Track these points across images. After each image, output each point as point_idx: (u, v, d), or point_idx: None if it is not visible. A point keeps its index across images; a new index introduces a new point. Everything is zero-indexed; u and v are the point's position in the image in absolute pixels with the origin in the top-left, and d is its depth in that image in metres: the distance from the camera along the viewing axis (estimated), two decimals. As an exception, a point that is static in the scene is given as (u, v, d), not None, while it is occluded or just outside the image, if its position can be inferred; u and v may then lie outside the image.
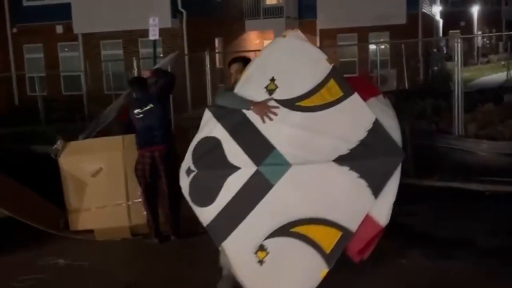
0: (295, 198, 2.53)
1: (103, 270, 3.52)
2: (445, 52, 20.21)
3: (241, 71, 2.80)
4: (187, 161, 2.67)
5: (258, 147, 2.57)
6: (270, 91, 2.63)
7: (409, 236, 3.80)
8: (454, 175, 5.14)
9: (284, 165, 2.53)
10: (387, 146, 2.48)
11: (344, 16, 15.40)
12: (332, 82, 2.58)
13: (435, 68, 16.42)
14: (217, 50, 14.46)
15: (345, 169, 2.47)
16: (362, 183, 2.45)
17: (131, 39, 13.36)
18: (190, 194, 2.64)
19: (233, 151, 2.59)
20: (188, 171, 2.65)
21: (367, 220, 2.44)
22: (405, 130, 5.08)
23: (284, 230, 2.49)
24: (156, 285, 3.33)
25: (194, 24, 13.43)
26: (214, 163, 2.62)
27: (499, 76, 16.46)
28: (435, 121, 7.53)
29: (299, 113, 2.57)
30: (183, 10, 13.13)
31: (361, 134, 2.49)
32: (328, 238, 2.45)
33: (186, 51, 12.86)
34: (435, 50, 17.95)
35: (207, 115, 2.68)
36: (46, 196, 4.39)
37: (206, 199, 2.60)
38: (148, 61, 11.18)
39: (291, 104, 2.59)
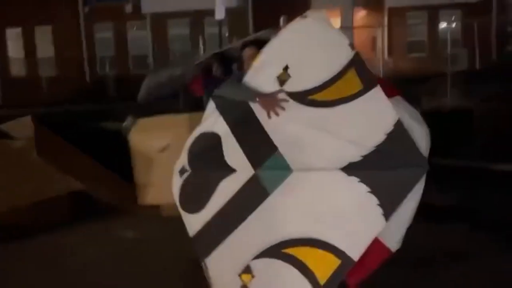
0: (292, 212, 2.25)
1: (170, 245, 3.58)
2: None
3: (255, 57, 2.49)
4: (182, 159, 2.44)
5: (259, 146, 2.33)
6: (282, 82, 2.34)
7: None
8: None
9: (284, 170, 2.27)
10: (409, 155, 2.13)
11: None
12: (352, 72, 2.26)
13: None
14: (281, 28, 14.73)
15: (354, 180, 2.15)
16: (373, 200, 2.12)
17: (197, 18, 14.02)
18: (180, 197, 2.42)
19: (232, 150, 2.35)
20: (182, 171, 2.43)
21: (375, 245, 2.13)
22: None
23: (275, 251, 2.22)
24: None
25: (259, 3, 13.76)
26: (209, 164, 2.39)
27: None
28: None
29: (310, 108, 2.28)
30: None
31: (379, 138, 2.15)
32: (324, 266, 2.17)
33: (251, 31, 13.14)
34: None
35: (211, 106, 2.43)
36: (116, 172, 4.69)
37: (196, 205, 2.38)
38: (215, 41, 11.58)
39: (302, 97, 2.30)
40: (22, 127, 5.24)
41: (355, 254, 2.11)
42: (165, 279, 3.09)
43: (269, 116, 2.30)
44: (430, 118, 2.88)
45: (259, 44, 2.53)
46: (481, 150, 5.84)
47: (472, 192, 4.76)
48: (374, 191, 2.12)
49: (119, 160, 4.55)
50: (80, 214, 4.08)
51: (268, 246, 2.23)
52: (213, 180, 2.34)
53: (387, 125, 2.15)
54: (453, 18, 15.76)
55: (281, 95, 2.31)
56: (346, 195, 2.16)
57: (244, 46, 2.69)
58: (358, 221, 2.15)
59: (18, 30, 16.60)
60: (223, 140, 2.37)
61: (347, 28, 15.40)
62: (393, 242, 2.18)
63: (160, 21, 14.64)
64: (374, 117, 2.20)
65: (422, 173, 2.10)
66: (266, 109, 2.31)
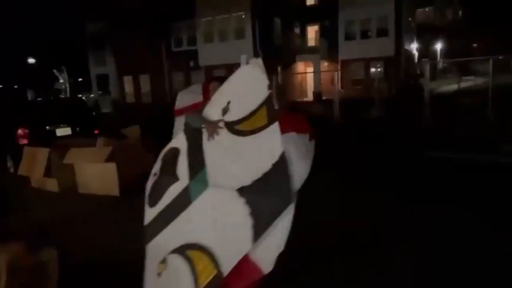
0: (199, 220, 2.46)
1: None
2: None
3: (217, 89, 2.84)
4: (157, 165, 2.81)
5: (197, 162, 2.59)
6: (224, 112, 2.64)
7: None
8: None
9: (204, 184, 2.49)
10: (281, 186, 2.29)
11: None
12: (264, 109, 2.52)
13: None
14: (279, 74, 22.82)
15: (242, 201, 2.32)
16: (249, 222, 2.26)
17: (231, 68, 20.83)
18: (148, 193, 2.76)
19: (182, 163, 2.66)
20: (154, 174, 2.79)
21: (247, 264, 2.28)
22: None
23: (182, 250, 2.42)
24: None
25: (266, 59, 21.43)
26: (168, 171, 2.70)
27: None
28: None
29: (233, 136, 2.55)
30: (260, 51, 21.62)
31: (267, 166, 2.34)
32: (205, 273, 2.30)
33: None
34: None
35: (182, 126, 2.81)
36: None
37: (153, 201, 2.69)
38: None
39: (231, 126, 2.59)
40: (133, 132, 7.69)
41: (226, 268, 2.25)
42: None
43: (208, 139, 2.64)
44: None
45: (222, 81, 2.84)
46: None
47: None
48: (252, 214, 2.26)
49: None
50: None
51: (180, 244, 2.44)
52: (165, 184, 2.67)
53: (274, 156, 2.33)
54: (378, 65, 21.99)
55: (221, 124, 2.64)
56: (235, 213, 2.32)
57: (211, 81, 3.11)
58: (236, 238, 2.28)
59: (130, 77, 25.67)
60: (180, 154, 2.72)
61: (316, 72, 23.27)
62: (265, 264, 2.25)
63: (209, 70, 22.39)
64: (267, 148, 2.39)
65: (286, 206, 2.25)
66: (208, 132, 2.65)
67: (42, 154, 6.70)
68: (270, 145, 2.40)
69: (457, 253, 3.61)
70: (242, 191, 2.36)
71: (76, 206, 5.71)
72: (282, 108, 2.66)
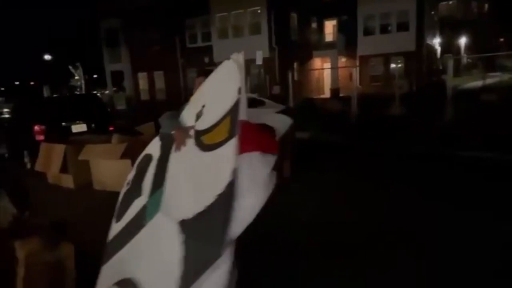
0: (142, 250, 2.12)
1: (283, 210, 4.08)
2: None
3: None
4: (131, 173, 2.53)
5: (160, 177, 2.23)
6: (198, 118, 2.25)
7: None
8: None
9: (157, 207, 2.11)
10: (214, 230, 1.81)
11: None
12: (227, 120, 2.05)
13: None
14: (295, 70, 22.87)
15: (180, 240, 1.92)
16: (179, 269, 1.87)
17: (246, 65, 22.04)
18: (117, 206, 2.47)
19: (149, 174, 2.34)
20: (127, 183, 2.53)
21: None
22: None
23: (126, 284, 2.08)
24: (332, 225, 4.10)
25: (282, 54, 21.41)
26: (136, 182, 2.41)
27: None
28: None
29: (196, 149, 2.12)
30: (275, 46, 21.65)
31: (210, 197, 1.86)
32: None
33: (277, 72, 21.18)
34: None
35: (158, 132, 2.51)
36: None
37: (118, 215, 2.41)
38: (254, 78, 19.19)
39: (198, 136, 2.17)
40: (148, 128, 7.82)
41: None
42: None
43: (176, 149, 2.24)
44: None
45: (208, 74, 2.43)
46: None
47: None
48: (185, 258, 1.88)
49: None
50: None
51: (122, 278, 2.11)
52: (130, 198, 2.35)
53: (220, 185, 1.84)
54: (398, 61, 21.05)
55: (191, 132, 2.21)
56: (171, 255, 1.93)
57: (200, 74, 2.65)
58: (163, 284, 1.94)
59: (145, 73, 25.98)
60: (151, 163, 2.37)
61: (334, 68, 23.46)
62: None
63: None
64: (215, 173, 1.92)
65: (217, 256, 1.79)
66: (176, 140, 2.24)
67: (58, 150, 6.84)
68: (219, 169, 1.94)
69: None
70: (183, 225, 1.95)
71: (93, 202, 5.81)
72: (248, 120, 2.07)
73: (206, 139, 2.13)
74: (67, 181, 6.80)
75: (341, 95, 21.28)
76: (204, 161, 2.06)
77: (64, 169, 6.73)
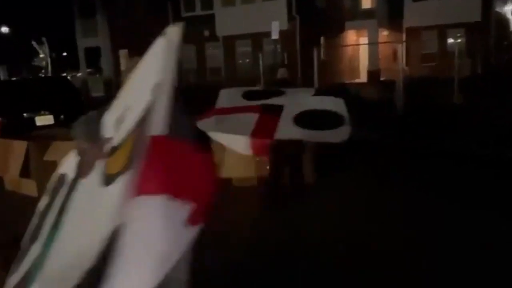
0: None
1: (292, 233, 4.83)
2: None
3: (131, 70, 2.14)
4: (42, 201, 2.43)
5: (61, 212, 2.05)
6: (118, 125, 1.94)
7: None
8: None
9: (43, 261, 1.95)
10: None
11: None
12: (132, 138, 1.77)
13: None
14: (322, 47, 22.72)
15: None
16: None
17: (258, 38, 22.15)
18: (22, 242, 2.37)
19: (55, 208, 2.14)
20: (35, 215, 2.42)
21: None
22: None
23: None
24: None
25: (305, 26, 21.26)
26: (42, 216, 2.28)
27: None
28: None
29: (97, 179, 1.87)
30: (296, 16, 21.59)
31: (76, 272, 1.63)
32: None
33: (298, 49, 21.06)
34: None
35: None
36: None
37: (18, 258, 2.27)
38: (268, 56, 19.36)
39: (105, 159, 1.90)
40: None
41: None
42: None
43: (81, 175, 2.04)
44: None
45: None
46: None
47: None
48: None
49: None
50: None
51: None
52: (32, 240, 2.25)
53: (102, 237, 1.58)
54: (459, 34, 20.50)
55: (106, 147, 1.91)
56: None
57: (131, 53, 3.83)
58: None
59: (127, 51, 25.60)
60: (62, 189, 2.21)
61: (372, 44, 23.35)
62: None
63: (229, 41, 22.93)
64: (93, 231, 1.66)
65: None
66: (80, 163, 2.04)
67: (18, 148, 6.87)
68: (98, 226, 1.65)
69: None
70: None
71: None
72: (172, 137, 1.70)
73: (108, 166, 1.85)
74: (29, 187, 6.77)
75: (382, 79, 21.19)
76: (99, 203, 1.79)
77: (25, 172, 6.76)
